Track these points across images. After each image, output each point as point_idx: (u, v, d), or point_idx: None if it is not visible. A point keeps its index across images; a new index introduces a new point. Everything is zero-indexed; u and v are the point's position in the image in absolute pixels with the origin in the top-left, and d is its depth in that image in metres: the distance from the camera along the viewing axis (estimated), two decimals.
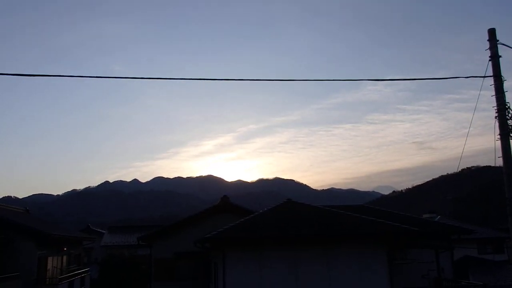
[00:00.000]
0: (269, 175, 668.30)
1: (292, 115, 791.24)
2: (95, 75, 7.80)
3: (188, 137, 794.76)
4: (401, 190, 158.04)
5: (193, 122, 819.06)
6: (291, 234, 14.59)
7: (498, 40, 8.78)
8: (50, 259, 22.56)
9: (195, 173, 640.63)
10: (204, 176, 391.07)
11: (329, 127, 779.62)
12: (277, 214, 16.82)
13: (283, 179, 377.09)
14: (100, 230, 45.67)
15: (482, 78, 8.70)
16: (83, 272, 26.73)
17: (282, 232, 14.71)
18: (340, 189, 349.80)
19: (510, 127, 8.50)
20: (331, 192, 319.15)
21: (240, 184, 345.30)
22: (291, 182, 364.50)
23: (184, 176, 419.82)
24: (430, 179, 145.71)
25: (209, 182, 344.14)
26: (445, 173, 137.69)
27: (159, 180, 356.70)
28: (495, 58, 8.68)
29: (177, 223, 22.44)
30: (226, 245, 14.41)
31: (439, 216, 33.39)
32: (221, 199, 23.36)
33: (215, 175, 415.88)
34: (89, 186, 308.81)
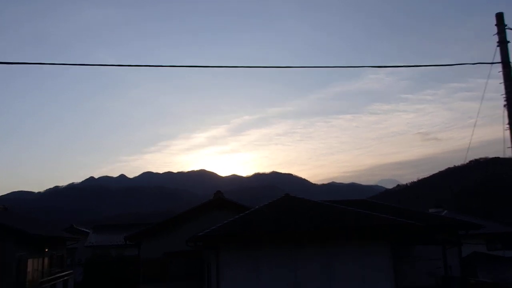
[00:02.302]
0: (265, 169, 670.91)
1: (289, 105, 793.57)
2: (77, 63, 7.80)
3: (178, 129, 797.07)
4: (406, 183, 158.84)
5: (184, 113, 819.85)
6: (290, 230, 14.66)
7: (506, 25, 8.81)
8: (30, 261, 22.18)
9: (186, 168, 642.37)
10: (196, 171, 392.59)
11: (328, 118, 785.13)
12: (274, 210, 16.88)
13: (281, 173, 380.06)
14: (85, 230, 45.41)
15: (490, 65, 8.76)
16: (66, 275, 26.56)
17: (280, 228, 14.76)
18: (340, 183, 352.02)
19: None
20: (331, 187, 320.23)
21: (234, 179, 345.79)
22: (289, 176, 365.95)
23: (175, 171, 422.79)
24: (436, 171, 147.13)
25: (202, 177, 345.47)
26: (452, 165, 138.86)
27: (148, 176, 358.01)
28: (503, 43, 8.72)
29: (167, 221, 22.44)
30: (220, 244, 14.44)
31: (445, 211, 33.50)
32: (214, 194, 23.48)
33: (208, 169, 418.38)
34: (72, 183, 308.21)
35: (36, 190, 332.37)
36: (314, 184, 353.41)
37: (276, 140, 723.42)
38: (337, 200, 24.79)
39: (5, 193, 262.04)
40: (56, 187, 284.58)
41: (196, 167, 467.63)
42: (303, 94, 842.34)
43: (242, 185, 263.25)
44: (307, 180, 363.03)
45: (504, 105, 8.57)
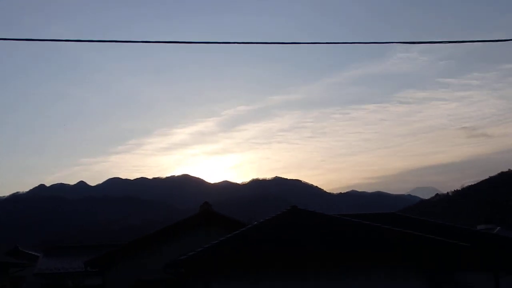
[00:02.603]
0: (266, 174, 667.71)
1: (297, 92, 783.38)
2: (25, 38, 7.76)
3: (154, 124, 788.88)
4: (447, 192, 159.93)
5: (161, 102, 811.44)
6: (298, 252, 14.66)
7: None
8: None
9: (164, 173, 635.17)
10: (178, 177, 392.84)
11: (347, 108, 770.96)
12: (278, 226, 16.96)
13: (286, 179, 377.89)
14: (34, 253, 45.01)
15: None
16: None
17: (285, 250, 14.79)
18: (363, 192, 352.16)
19: None
20: (351, 197, 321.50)
21: (227, 187, 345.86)
22: (296, 183, 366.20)
23: (150, 176, 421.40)
24: (485, 177, 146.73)
25: (184, 185, 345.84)
26: (506, 169, 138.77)
27: (114, 183, 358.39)
28: None
29: (140, 240, 22.52)
30: (208, 270, 14.46)
31: (498, 227, 33.69)
32: (201, 207, 23.42)
33: (192, 174, 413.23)
34: (17, 192, 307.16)
35: None
36: (329, 193, 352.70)
37: (280, 137, 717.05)
38: (359, 213, 24.77)
39: None
40: None
41: (177, 172, 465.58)
42: (315, 77, 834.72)
43: (236, 195, 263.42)
44: (319, 188, 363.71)
45: None
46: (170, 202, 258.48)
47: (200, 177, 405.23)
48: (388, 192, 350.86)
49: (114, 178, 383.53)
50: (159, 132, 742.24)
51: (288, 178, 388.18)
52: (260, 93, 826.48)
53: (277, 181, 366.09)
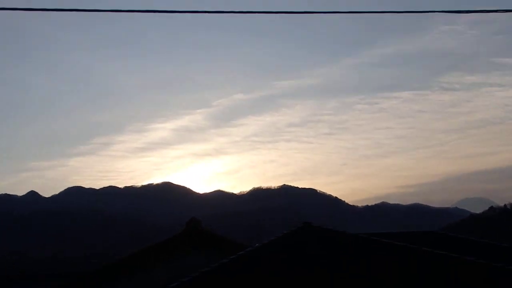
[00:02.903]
0: (270, 181, 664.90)
1: (310, 76, 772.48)
2: None
3: (126, 117, 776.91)
4: (504, 204, 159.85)
5: (136, 89, 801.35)
6: (311, 283, 14.59)
7: None
8: None
9: (140, 180, 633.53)
10: (157, 185, 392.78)
11: (374, 97, 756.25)
12: (286, 248, 16.94)
13: (296, 188, 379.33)
14: None
15: None
16: None
17: (296, 278, 14.73)
18: (396, 204, 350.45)
19: None
20: (380, 211, 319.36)
21: (220, 198, 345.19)
22: (310, 193, 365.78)
23: (120, 185, 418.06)
24: None
25: (165, 196, 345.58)
26: None
27: (75, 193, 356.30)
28: None
29: (108, 267, 22.38)
30: None
31: None
32: (187, 224, 23.42)
33: (175, 182, 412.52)
34: None
35: None
36: (353, 205, 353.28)
37: (289, 134, 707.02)
38: (391, 232, 24.80)
39: None
40: None
41: (156, 180, 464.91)
42: (333, 57, 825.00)
43: (233, 209, 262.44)
44: (339, 200, 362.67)
45: None
46: (147, 218, 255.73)
47: (185, 186, 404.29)
48: (429, 204, 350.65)
49: (75, 187, 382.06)
50: (132, 128, 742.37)
51: (300, 186, 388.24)
52: (263, 77, 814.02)
53: (285, 190, 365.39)
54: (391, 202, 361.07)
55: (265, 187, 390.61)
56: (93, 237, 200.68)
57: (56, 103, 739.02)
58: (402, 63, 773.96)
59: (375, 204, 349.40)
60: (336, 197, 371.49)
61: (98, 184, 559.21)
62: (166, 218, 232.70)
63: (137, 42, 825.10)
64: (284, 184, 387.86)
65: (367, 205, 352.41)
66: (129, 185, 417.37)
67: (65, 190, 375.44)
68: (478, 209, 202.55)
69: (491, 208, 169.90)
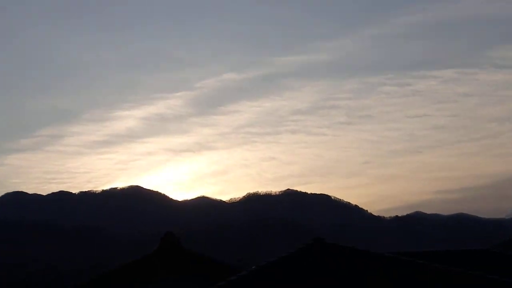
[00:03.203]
0: (270, 185, 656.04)
1: (321, 50, 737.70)
2: None
3: (82, 101, 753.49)
4: None
5: (95, 66, 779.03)
6: None
7: None
8: None
9: (100, 184, 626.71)
10: (122, 190, 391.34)
11: (405, 76, 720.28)
12: (292, 273, 17.28)
13: (304, 194, 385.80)
14: None
15: None
16: None
17: None
18: (435, 214, 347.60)
19: None
20: (413, 223, 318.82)
21: (205, 207, 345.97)
22: (321, 200, 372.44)
23: (75, 190, 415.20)
24: None
25: (134, 203, 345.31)
26: None
27: (14, 200, 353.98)
28: None
29: None
30: None
31: None
32: (161, 241, 24.57)
33: (146, 186, 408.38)
34: None
35: None
36: (378, 216, 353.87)
37: (294, 123, 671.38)
38: (427, 251, 24.79)
39: None
40: None
41: (121, 183, 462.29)
42: (351, 26, 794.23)
43: (220, 221, 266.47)
44: (361, 209, 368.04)
45: None
46: (110, 233, 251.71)
47: (159, 191, 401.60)
48: (477, 215, 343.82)
49: (14, 193, 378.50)
50: (90, 116, 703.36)
51: (308, 192, 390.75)
52: (261, 52, 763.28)
53: (289, 197, 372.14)
54: (427, 211, 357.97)
55: (263, 193, 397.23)
56: (38, 257, 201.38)
57: None
58: (442, 33, 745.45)
59: (407, 215, 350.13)
60: (356, 205, 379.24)
61: (45, 190, 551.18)
62: (134, 233, 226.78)
63: (97, 6, 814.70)
64: (288, 189, 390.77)
65: (397, 216, 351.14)
66: (86, 190, 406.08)
67: (1, 197, 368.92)
68: None
69: None
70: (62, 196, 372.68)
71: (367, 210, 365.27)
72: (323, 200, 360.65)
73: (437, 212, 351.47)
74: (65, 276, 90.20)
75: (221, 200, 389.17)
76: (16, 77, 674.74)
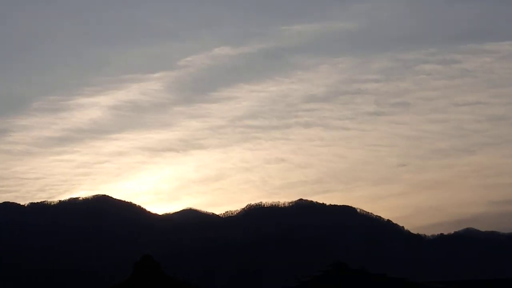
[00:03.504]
0: (278, 195, 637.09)
1: (341, 18, 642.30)
2: None
3: (33, 87, 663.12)
4: None
5: (50, 44, 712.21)
6: None
7: None
8: None
9: (56, 193, 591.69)
10: (86, 201, 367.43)
11: (451, 51, 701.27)
12: None
13: (320, 206, 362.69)
14: None
15: None
16: None
17: None
18: (492, 232, 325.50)
19: None
20: (463, 240, 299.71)
21: (193, 223, 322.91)
22: (343, 212, 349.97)
23: (23, 201, 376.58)
24: None
25: (101, 218, 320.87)
26: None
27: None
28: None
29: None
30: None
31: None
32: (135, 266, 24.36)
33: (116, 196, 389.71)
34: None
35: None
36: (417, 235, 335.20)
37: (307, 114, 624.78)
38: (480, 280, 22.68)
39: None
40: None
41: (84, 191, 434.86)
42: None
43: (214, 240, 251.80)
44: (395, 225, 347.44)
45: None
46: (71, 255, 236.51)
47: (133, 202, 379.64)
48: None
49: None
50: (42, 104, 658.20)
51: (327, 203, 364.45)
52: (264, 20, 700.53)
53: (303, 209, 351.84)
54: (482, 228, 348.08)
55: (268, 204, 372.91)
56: None
57: None
58: None
59: (455, 233, 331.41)
60: (388, 220, 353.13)
61: None
62: (101, 256, 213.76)
63: None
64: (300, 199, 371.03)
65: (442, 234, 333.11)
66: (38, 200, 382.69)
67: None
68: None
69: None
70: (7, 209, 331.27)
71: (403, 226, 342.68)
72: (346, 214, 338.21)
73: (494, 230, 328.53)
74: None
75: (213, 213, 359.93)
76: None
